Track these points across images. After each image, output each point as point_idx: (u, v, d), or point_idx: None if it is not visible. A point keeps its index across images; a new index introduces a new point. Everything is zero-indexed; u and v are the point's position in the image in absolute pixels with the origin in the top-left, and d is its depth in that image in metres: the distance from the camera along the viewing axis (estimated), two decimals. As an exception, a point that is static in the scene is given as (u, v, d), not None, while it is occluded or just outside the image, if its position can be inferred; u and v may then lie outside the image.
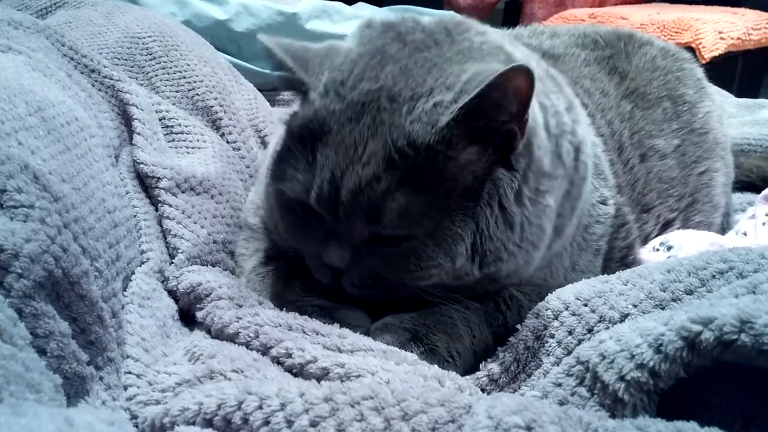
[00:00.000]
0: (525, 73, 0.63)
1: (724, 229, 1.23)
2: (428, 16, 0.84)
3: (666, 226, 1.10)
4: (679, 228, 1.11)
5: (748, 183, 1.42)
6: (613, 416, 0.47)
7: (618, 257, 0.98)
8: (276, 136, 0.80)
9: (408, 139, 0.65)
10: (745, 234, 1.15)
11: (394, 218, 0.66)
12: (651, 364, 0.45)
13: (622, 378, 0.46)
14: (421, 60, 0.70)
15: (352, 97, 0.68)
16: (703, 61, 2.65)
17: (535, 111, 0.71)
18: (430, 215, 0.67)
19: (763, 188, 1.26)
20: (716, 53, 2.73)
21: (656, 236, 1.09)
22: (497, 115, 0.66)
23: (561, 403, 0.51)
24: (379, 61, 0.70)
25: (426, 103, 0.66)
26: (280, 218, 0.78)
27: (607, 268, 0.95)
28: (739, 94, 2.53)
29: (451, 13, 2.58)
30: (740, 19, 2.95)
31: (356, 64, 0.71)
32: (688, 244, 1.01)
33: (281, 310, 0.73)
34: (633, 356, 0.46)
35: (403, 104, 0.67)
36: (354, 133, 0.67)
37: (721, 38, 2.77)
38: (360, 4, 2.34)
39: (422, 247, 0.68)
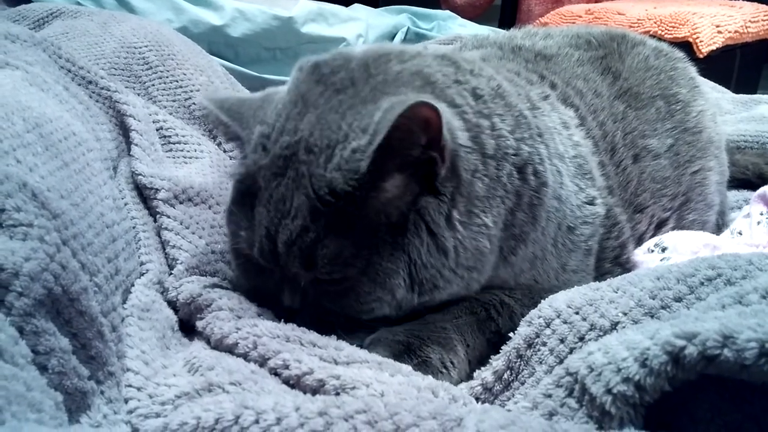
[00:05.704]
0: (426, 107, 0.65)
1: (719, 228, 1.24)
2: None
3: (660, 226, 1.11)
4: (673, 227, 1.12)
5: (744, 180, 1.43)
6: (600, 428, 0.48)
7: (611, 257, 0.98)
8: (230, 189, 0.83)
9: (329, 187, 0.68)
10: (740, 233, 1.15)
11: (326, 264, 0.69)
12: (637, 378, 0.46)
13: (609, 391, 0.47)
14: (337, 104, 0.71)
15: (275, 151, 0.71)
16: (701, 56, 2.64)
17: (457, 134, 0.72)
18: (360, 255, 0.69)
19: (759, 185, 1.27)
20: (714, 47, 2.72)
21: (651, 236, 1.09)
22: (410, 150, 0.68)
23: (551, 414, 0.52)
24: (300, 110, 0.72)
25: (343, 150, 0.68)
26: (240, 272, 0.81)
27: (600, 268, 0.96)
28: (737, 88, 2.54)
29: (448, 12, 2.59)
30: (737, 12, 2.94)
31: (280, 116, 0.73)
32: (682, 245, 1.02)
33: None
34: (619, 370, 0.47)
35: (320, 154, 0.69)
36: (281, 188, 0.70)
37: (719, 32, 2.76)
38: (356, 5, 2.35)
39: (359, 284, 0.70)
